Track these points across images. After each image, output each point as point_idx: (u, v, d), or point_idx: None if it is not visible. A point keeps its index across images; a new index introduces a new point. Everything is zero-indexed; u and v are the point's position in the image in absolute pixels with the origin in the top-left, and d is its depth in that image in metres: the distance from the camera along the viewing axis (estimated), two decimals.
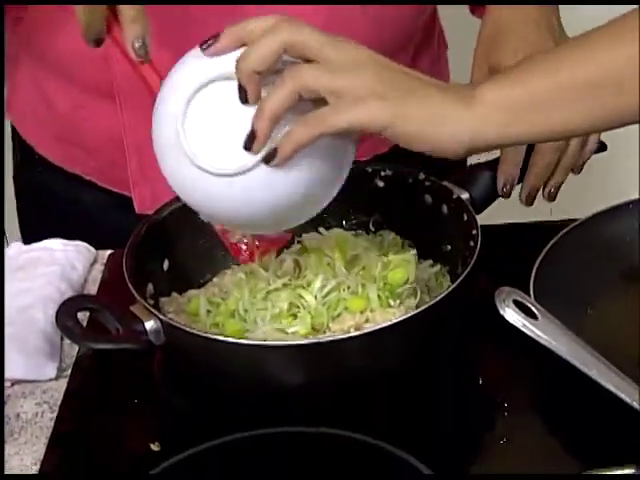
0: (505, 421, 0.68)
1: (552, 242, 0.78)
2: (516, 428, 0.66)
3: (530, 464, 0.62)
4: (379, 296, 0.71)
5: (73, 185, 0.93)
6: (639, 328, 0.73)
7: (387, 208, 0.82)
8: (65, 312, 0.69)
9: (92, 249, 0.89)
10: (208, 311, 0.73)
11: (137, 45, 0.67)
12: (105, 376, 0.76)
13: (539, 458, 0.61)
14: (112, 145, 0.89)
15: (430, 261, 0.79)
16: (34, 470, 0.68)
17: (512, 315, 0.57)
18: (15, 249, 0.88)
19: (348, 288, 0.71)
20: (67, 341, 0.80)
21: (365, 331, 0.66)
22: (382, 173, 0.81)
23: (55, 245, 0.88)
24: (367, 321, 0.70)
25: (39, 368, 0.76)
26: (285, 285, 0.73)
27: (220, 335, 0.69)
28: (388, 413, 0.70)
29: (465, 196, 0.79)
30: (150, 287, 0.75)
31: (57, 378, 0.76)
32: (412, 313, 0.66)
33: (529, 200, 0.82)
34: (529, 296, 0.67)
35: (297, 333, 0.69)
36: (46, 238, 0.88)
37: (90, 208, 0.94)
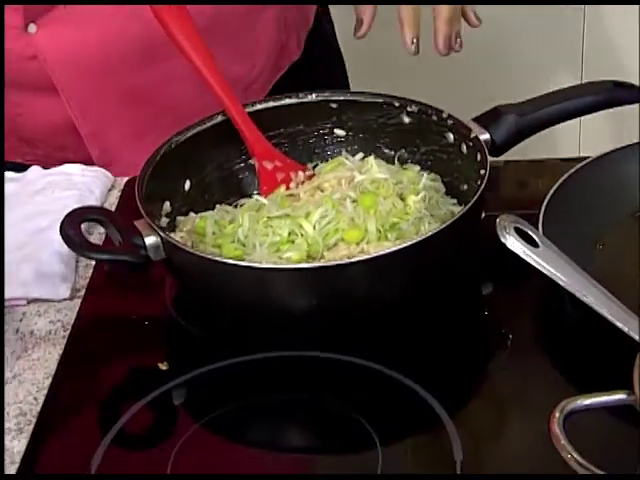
0: (508, 351, 0.69)
1: (562, 179, 0.78)
2: (518, 358, 0.68)
3: (527, 392, 0.63)
4: (378, 229, 0.71)
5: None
6: None
7: (412, 144, 0.82)
8: (69, 222, 0.70)
9: (110, 175, 0.90)
10: (214, 233, 0.74)
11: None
12: (117, 298, 0.78)
13: (537, 386, 0.63)
14: (57, 134, 0.91)
15: (449, 199, 0.79)
16: (46, 384, 0.70)
17: (513, 242, 0.57)
18: (35, 172, 0.90)
19: (351, 220, 0.72)
20: (82, 263, 0.82)
21: (363, 258, 0.66)
22: (408, 108, 0.81)
23: (73, 170, 0.89)
24: (361, 252, 0.71)
25: (54, 288, 0.77)
26: (287, 215, 0.74)
27: (213, 255, 0.70)
28: (392, 341, 0.71)
29: (485, 137, 0.78)
30: (167, 205, 0.77)
31: (71, 298, 0.78)
32: (407, 244, 0.66)
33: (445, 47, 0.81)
34: (538, 231, 0.68)
35: (290, 259, 0.71)
36: None
37: None
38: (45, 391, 0.70)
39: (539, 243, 0.58)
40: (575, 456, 0.51)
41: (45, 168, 0.90)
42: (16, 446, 0.66)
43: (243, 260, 0.71)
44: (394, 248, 0.66)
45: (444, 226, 0.68)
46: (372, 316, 0.71)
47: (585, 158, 0.81)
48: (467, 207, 0.69)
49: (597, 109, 0.83)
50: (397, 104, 0.82)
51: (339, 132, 0.84)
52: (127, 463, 0.64)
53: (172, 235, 0.72)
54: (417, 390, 0.66)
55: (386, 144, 0.83)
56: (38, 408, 0.68)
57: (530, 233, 0.58)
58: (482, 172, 0.73)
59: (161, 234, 0.70)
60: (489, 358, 0.69)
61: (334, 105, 0.83)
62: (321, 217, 0.72)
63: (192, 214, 0.78)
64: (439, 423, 0.63)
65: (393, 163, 0.82)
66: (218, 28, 0.92)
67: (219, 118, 0.81)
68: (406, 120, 0.82)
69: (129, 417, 0.66)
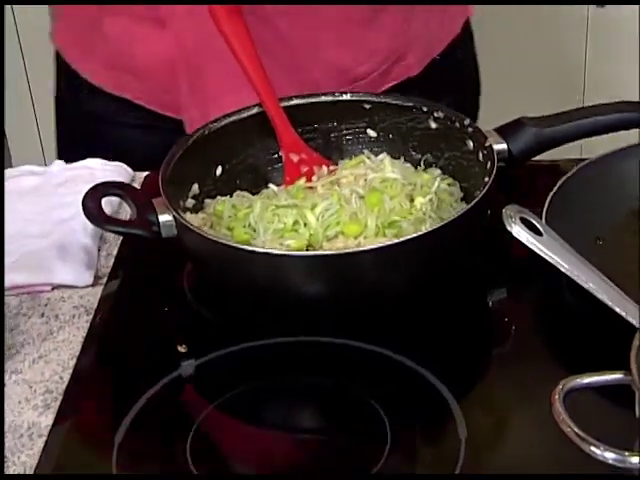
0: (511, 338, 0.73)
1: (565, 177, 0.81)
2: (520, 343, 0.71)
3: (529, 374, 0.67)
4: (377, 226, 0.75)
5: (120, 108, 0.98)
6: None
7: (437, 149, 0.85)
8: (91, 196, 0.75)
9: (130, 170, 0.94)
10: (230, 216, 0.78)
11: None
12: (138, 285, 0.82)
13: (538, 369, 0.66)
14: (162, 69, 0.93)
15: (463, 203, 0.81)
16: (71, 364, 0.74)
17: (518, 231, 0.61)
18: (58, 166, 0.93)
19: (354, 214, 0.76)
20: (103, 253, 0.85)
21: (363, 248, 0.70)
22: (435, 114, 0.84)
23: (95, 164, 0.93)
24: (358, 246, 0.74)
25: (77, 275, 0.81)
26: (294, 205, 0.77)
27: (216, 236, 0.74)
28: (401, 328, 0.74)
29: (501, 146, 0.81)
30: (195, 187, 0.81)
31: (93, 285, 0.81)
32: (406, 238, 0.70)
33: None
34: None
35: (290, 246, 0.74)
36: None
37: (134, 131, 0.99)
38: (70, 371, 0.73)
39: (543, 232, 0.61)
40: (575, 429, 0.54)
41: (146, 110, 0.94)
42: (43, 421, 0.69)
43: (249, 244, 0.75)
44: (396, 240, 0.69)
45: (441, 224, 0.71)
46: (381, 304, 0.74)
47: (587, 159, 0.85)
48: (464, 210, 0.73)
49: (622, 128, 0.85)
50: (425, 109, 0.85)
51: (371, 133, 0.87)
52: (148, 439, 0.67)
53: (195, 216, 0.76)
54: (424, 374, 0.69)
55: (414, 147, 0.86)
56: (63, 386, 0.72)
57: (534, 222, 0.61)
58: (486, 179, 0.76)
59: (174, 213, 0.73)
60: (493, 344, 0.73)
61: (367, 106, 0.86)
62: (325, 209, 0.76)
63: (219, 197, 0.82)
64: (445, 404, 0.67)
65: (419, 166, 0.85)
66: (329, 11, 0.93)
67: (255, 110, 0.85)
68: (433, 125, 0.85)
69: (150, 395, 0.70)
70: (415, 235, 0.70)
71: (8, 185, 0.89)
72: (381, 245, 0.70)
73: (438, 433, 0.66)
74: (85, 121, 1.02)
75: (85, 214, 0.74)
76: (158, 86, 0.96)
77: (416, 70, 1.02)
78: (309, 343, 0.73)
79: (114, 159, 0.94)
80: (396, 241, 0.70)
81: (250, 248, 0.72)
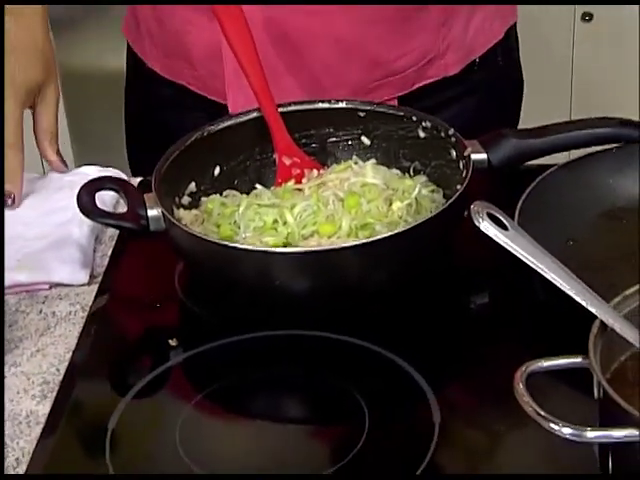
0: (482, 329, 0.78)
1: (538, 179, 0.85)
2: (490, 334, 0.76)
3: (497, 361, 0.71)
4: (351, 227, 0.79)
5: (177, 93, 1.04)
6: (613, 258, 0.81)
7: (425, 157, 0.89)
8: (85, 190, 0.80)
9: (124, 175, 0.98)
10: (218, 213, 0.83)
11: None
12: (131, 284, 0.86)
13: (506, 355, 0.70)
14: (212, 56, 0.98)
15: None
16: (67, 357, 0.78)
17: (486, 226, 0.65)
18: (56, 174, 0.98)
19: (331, 216, 0.80)
20: (99, 253, 0.89)
21: (329, 247, 0.75)
22: (423, 124, 0.88)
23: (91, 171, 0.97)
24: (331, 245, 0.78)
25: (73, 274, 0.85)
26: (275, 204, 0.82)
27: (196, 231, 0.79)
28: (379, 321, 0.78)
29: (482, 156, 0.85)
30: (192, 185, 0.86)
31: (89, 284, 0.85)
32: (381, 236, 0.75)
33: None
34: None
35: (267, 243, 0.79)
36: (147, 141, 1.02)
37: (191, 115, 1.02)
38: (66, 363, 0.77)
39: (508, 227, 0.65)
40: (535, 408, 0.58)
41: (201, 97, 1.01)
42: (41, 409, 0.73)
43: (233, 240, 0.79)
44: (365, 240, 0.75)
45: (409, 226, 0.76)
46: (362, 299, 0.78)
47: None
48: (433, 214, 0.77)
49: (598, 143, 0.89)
50: (415, 118, 0.88)
51: (365, 140, 0.91)
52: (139, 425, 0.71)
53: (189, 212, 0.81)
54: (402, 364, 0.73)
55: (404, 155, 0.90)
56: (60, 378, 0.76)
57: (500, 217, 0.65)
58: (454, 187, 0.81)
59: (161, 208, 0.78)
60: (464, 334, 0.77)
61: (362, 114, 0.90)
62: (303, 210, 0.80)
63: (213, 195, 0.86)
64: (420, 392, 0.71)
65: (408, 173, 0.89)
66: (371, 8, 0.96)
67: (254, 114, 0.89)
68: (421, 134, 0.88)
69: (141, 386, 0.74)
70: (387, 235, 0.74)
71: None
72: (354, 244, 0.75)
73: (414, 419, 0.70)
74: (149, 107, 1.08)
75: (79, 207, 0.79)
76: (208, 72, 1.00)
77: (454, 70, 1.03)
78: (294, 337, 0.77)
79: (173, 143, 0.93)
80: (365, 240, 0.75)
81: (222, 242, 0.76)
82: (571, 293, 0.64)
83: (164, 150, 0.85)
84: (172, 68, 1.03)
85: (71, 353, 0.78)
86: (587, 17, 1.97)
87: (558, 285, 0.64)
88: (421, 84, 1.01)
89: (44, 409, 0.73)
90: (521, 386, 0.59)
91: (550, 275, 0.64)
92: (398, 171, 0.89)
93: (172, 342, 0.78)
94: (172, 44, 1.02)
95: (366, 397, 0.71)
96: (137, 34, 1.07)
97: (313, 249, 0.76)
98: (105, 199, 0.88)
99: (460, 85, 1.03)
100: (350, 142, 0.91)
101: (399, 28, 0.98)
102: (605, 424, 0.60)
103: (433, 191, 0.87)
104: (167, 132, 0.92)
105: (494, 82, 1.07)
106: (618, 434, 0.57)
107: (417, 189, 0.85)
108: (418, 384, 0.72)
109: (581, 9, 1.97)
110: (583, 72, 2.02)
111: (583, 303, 0.64)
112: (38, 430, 0.71)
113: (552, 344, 0.65)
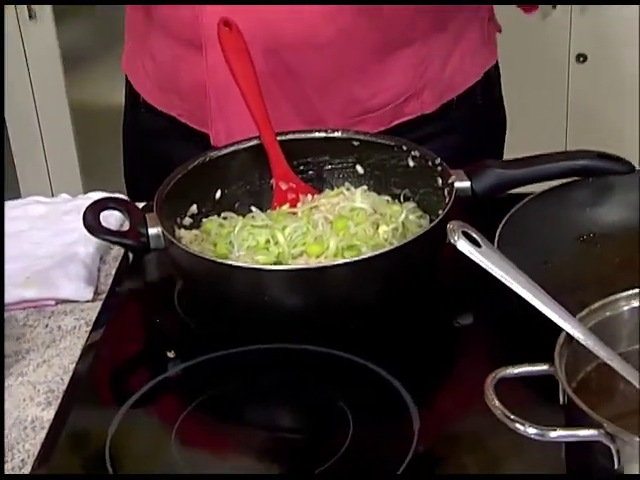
0: (459, 343, 0.83)
1: (518, 206, 0.90)
2: (468, 348, 0.82)
3: (473, 371, 0.74)
4: (338, 247, 0.84)
5: (169, 124, 1.10)
6: (586, 280, 0.86)
7: (414, 185, 0.93)
8: (91, 209, 0.85)
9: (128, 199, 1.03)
10: (216, 233, 0.88)
11: None
12: (134, 301, 0.91)
13: (481, 364, 0.74)
14: (199, 90, 1.04)
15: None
16: (71, 368, 0.83)
17: (461, 244, 0.70)
18: (63, 198, 1.03)
19: (319, 237, 0.85)
20: (103, 272, 0.95)
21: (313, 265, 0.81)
22: (413, 153, 0.93)
23: (97, 196, 1.02)
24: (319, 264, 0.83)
25: (79, 291, 0.90)
26: (267, 225, 0.87)
27: (192, 249, 0.84)
28: (365, 336, 0.83)
29: (466, 185, 0.90)
30: (194, 207, 0.91)
31: (93, 300, 0.91)
32: (363, 256, 0.80)
33: None
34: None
35: (259, 261, 0.84)
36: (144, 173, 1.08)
37: (182, 145, 1.09)
38: (70, 374, 0.82)
39: (482, 244, 0.70)
40: (504, 411, 0.63)
41: (189, 127, 1.07)
42: (45, 415, 0.78)
43: (227, 258, 0.84)
44: (349, 260, 0.80)
45: (393, 247, 0.81)
46: (346, 314, 0.83)
47: None
48: (415, 236, 0.82)
49: (577, 174, 0.94)
50: (405, 148, 0.94)
51: (359, 168, 0.96)
52: (138, 430, 0.76)
53: (189, 232, 0.87)
54: (384, 375, 0.78)
55: (395, 183, 0.95)
56: (64, 387, 0.81)
57: (474, 235, 0.70)
58: (440, 212, 0.86)
59: (161, 227, 0.83)
60: (444, 347, 0.82)
61: (356, 143, 0.95)
62: (294, 231, 0.86)
63: (212, 217, 0.92)
64: (402, 401, 0.75)
65: (399, 200, 0.94)
66: (348, 42, 1.00)
67: (255, 141, 0.95)
68: (411, 163, 0.93)
69: (140, 394, 0.78)
70: (371, 255, 0.80)
71: (17, 212, 0.99)
72: (339, 262, 0.80)
73: (395, 425, 0.75)
74: (143, 137, 1.15)
75: (84, 224, 0.84)
76: (196, 105, 1.06)
77: (431, 108, 1.07)
78: (285, 350, 0.82)
79: (165, 173, 0.97)
80: (349, 260, 0.80)
81: (216, 259, 0.82)
82: (538, 306, 0.68)
83: (159, 179, 0.90)
84: (164, 101, 1.09)
85: (75, 364, 0.83)
86: (582, 58, 2.03)
87: (527, 299, 0.69)
88: (399, 121, 1.06)
89: (48, 415, 0.78)
90: (490, 391, 0.64)
91: (519, 289, 0.69)
92: (388, 197, 0.95)
93: (170, 354, 0.83)
94: (164, 78, 1.08)
95: (351, 406, 0.76)
96: (134, 68, 1.13)
97: (301, 267, 0.81)
98: (110, 221, 0.93)
99: (439, 122, 1.08)
100: (345, 170, 0.97)
101: (374, 67, 1.03)
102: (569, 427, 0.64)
103: (420, 217, 0.92)
104: (162, 162, 0.97)
105: (474, 120, 1.12)
106: (579, 433, 0.62)
107: (404, 214, 0.90)
108: (400, 393, 0.76)
109: (576, 50, 2.03)
110: (578, 112, 2.08)
111: (549, 315, 0.68)
112: (42, 434, 0.76)
113: (527, 354, 0.69)
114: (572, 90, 2.07)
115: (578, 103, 2.07)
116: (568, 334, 0.67)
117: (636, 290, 0.70)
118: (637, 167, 0.95)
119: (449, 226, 0.70)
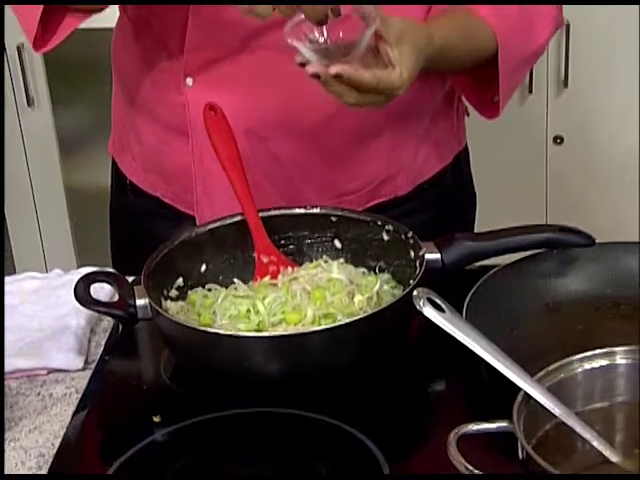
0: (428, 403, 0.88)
1: (486, 276, 0.96)
2: (438, 407, 0.87)
3: (442, 430, 0.79)
4: (315, 315, 0.89)
5: (154, 205, 1.15)
6: (551, 344, 0.91)
7: (388, 257, 0.99)
8: (82, 282, 0.90)
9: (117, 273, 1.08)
10: (200, 304, 0.94)
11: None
12: (122, 370, 0.96)
13: (449, 423, 0.78)
14: (185, 174, 1.10)
15: None
16: (61, 434, 0.87)
17: (427, 310, 0.75)
18: (56, 273, 1.09)
19: (298, 306, 0.91)
20: (93, 343, 0.99)
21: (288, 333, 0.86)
22: (387, 227, 0.99)
23: (87, 271, 1.07)
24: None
25: (69, 361, 0.95)
26: (248, 296, 0.93)
27: (177, 318, 0.89)
28: (338, 399, 0.87)
29: (436, 256, 0.95)
30: (180, 280, 0.96)
31: (83, 369, 0.95)
32: (337, 324, 0.86)
33: None
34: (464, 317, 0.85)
35: (240, 329, 0.89)
36: (130, 250, 1.13)
37: (167, 225, 1.13)
38: (60, 439, 0.86)
39: (445, 310, 0.75)
40: (464, 464, 0.67)
41: (173, 208, 1.12)
42: None
43: (211, 327, 0.89)
44: (325, 327, 0.85)
45: (368, 314, 0.86)
46: (323, 379, 0.87)
47: None
48: (386, 305, 0.88)
49: (541, 246, 1.00)
50: (379, 223, 1.00)
51: (337, 243, 1.02)
52: None
53: (175, 303, 0.92)
54: (358, 435, 0.82)
55: (371, 255, 1.00)
56: (54, 451, 0.85)
57: (438, 302, 0.75)
58: (411, 282, 0.91)
59: (148, 298, 0.88)
60: (414, 408, 0.87)
61: (334, 218, 1.01)
62: (273, 300, 0.91)
63: (197, 289, 0.97)
64: (374, 459, 0.79)
65: (374, 271, 0.99)
66: (329, 131, 1.07)
67: (237, 217, 1.00)
68: (385, 237, 0.99)
69: (127, 457, 0.83)
70: (346, 322, 0.85)
71: (12, 287, 1.04)
72: (315, 329, 0.86)
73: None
74: (129, 217, 1.20)
75: (75, 296, 0.89)
76: (180, 187, 1.12)
77: (404, 191, 1.14)
78: (264, 414, 0.86)
79: (151, 250, 0.99)
80: (325, 327, 0.86)
81: (199, 327, 0.87)
82: (498, 366, 0.73)
83: (145, 256, 0.95)
84: (149, 182, 1.15)
85: (65, 429, 0.87)
86: (558, 140, 2.11)
87: (487, 359, 0.74)
88: (374, 203, 1.13)
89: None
90: (453, 446, 0.69)
91: (480, 351, 0.74)
92: (365, 269, 1.00)
93: (156, 418, 0.87)
94: (149, 161, 1.14)
95: (326, 465, 0.80)
96: (120, 151, 1.19)
97: (280, 334, 0.86)
98: (101, 294, 0.98)
99: (412, 202, 1.15)
100: (324, 243, 1.02)
101: (349, 155, 1.10)
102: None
103: (394, 287, 0.97)
104: (147, 240, 1.02)
105: (445, 200, 1.18)
106: None
107: (378, 284, 0.95)
108: (372, 451, 0.80)
109: (552, 133, 2.10)
110: (556, 192, 2.14)
111: (507, 375, 0.73)
112: None
113: (493, 414, 0.73)
114: (551, 171, 2.13)
115: (557, 183, 2.14)
116: (526, 393, 0.72)
117: (588, 353, 0.75)
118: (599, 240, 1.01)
119: (415, 294, 0.75)
